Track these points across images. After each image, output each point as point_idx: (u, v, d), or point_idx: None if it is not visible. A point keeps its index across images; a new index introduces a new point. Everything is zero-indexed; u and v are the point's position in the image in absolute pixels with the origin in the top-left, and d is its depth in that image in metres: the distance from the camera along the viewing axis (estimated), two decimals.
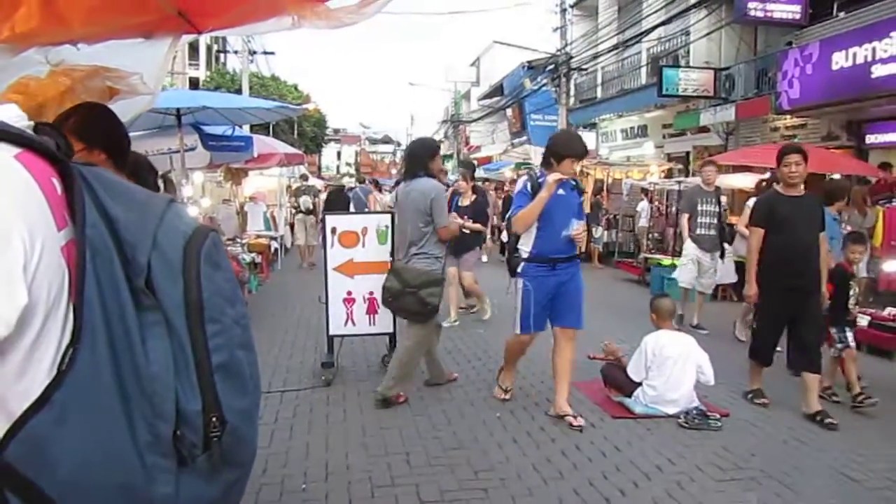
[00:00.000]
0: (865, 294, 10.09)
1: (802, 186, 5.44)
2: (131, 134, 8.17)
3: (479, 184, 12.10)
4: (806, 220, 5.28)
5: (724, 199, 8.72)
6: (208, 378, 1.17)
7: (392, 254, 5.82)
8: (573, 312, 4.96)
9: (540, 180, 4.82)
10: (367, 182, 20.54)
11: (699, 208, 8.35)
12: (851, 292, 5.63)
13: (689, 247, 8.47)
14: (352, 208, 14.66)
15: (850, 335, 5.53)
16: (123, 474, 1.07)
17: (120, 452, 1.07)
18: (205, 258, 1.21)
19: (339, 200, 14.52)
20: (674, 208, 13.71)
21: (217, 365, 1.18)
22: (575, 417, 4.84)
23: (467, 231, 7.85)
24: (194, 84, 34.96)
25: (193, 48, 39.66)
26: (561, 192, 4.80)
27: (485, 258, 14.96)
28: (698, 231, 8.39)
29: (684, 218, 8.57)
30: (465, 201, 8.44)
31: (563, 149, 4.84)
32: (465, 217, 7.94)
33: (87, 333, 1.04)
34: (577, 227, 4.77)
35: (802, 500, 3.74)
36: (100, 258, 1.08)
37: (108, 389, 1.05)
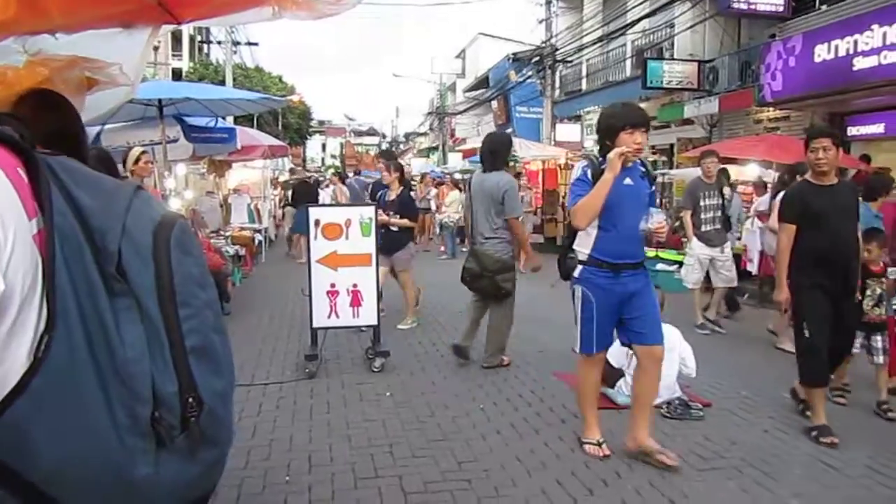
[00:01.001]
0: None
1: (834, 175, 4.83)
2: (112, 125, 8.05)
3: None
4: (842, 213, 4.67)
5: (727, 190, 8.26)
6: (183, 360, 1.19)
7: (383, 246, 5.84)
8: (653, 326, 4.07)
9: (603, 166, 3.89)
10: (361, 174, 20.47)
11: (702, 203, 7.85)
12: (869, 292, 5.15)
13: (696, 245, 7.95)
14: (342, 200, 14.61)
15: (880, 342, 5.16)
16: (104, 457, 1.09)
17: (100, 436, 1.08)
18: (175, 244, 1.22)
19: (305, 193, 14.81)
20: (657, 200, 13.77)
21: (191, 347, 1.20)
22: (668, 456, 3.98)
23: (394, 228, 7.36)
24: (177, 75, 34.70)
25: (176, 38, 39.35)
26: (628, 181, 3.92)
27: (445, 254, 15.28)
28: (703, 227, 7.88)
29: (687, 215, 7.93)
30: (392, 195, 7.59)
31: (616, 119, 3.93)
32: (390, 213, 7.33)
33: (62, 320, 1.05)
34: (657, 219, 3.92)
35: (782, 488, 3.78)
36: (69, 246, 1.09)
37: (84, 374, 1.06)
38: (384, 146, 66.66)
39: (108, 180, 1.27)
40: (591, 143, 21.14)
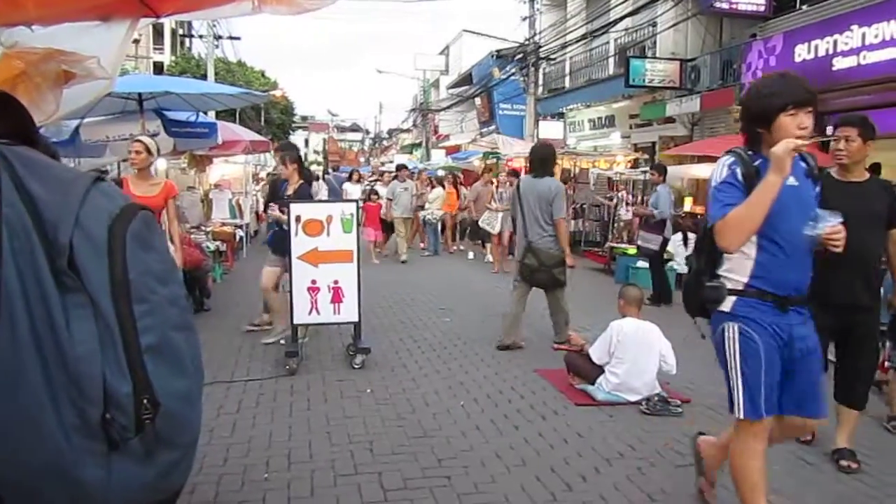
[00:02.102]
0: None
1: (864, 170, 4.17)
2: (91, 119, 7.93)
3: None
4: (867, 214, 3.89)
5: None
6: (138, 359, 1.14)
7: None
8: (817, 389, 3.07)
9: (757, 162, 2.87)
10: (339, 170, 20.34)
11: None
12: None
13: None
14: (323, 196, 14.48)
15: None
16: (50, 457, 1.06)
17: (45, 435, 1.05)
18: (132, 237, 1.18)
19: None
20: (640, 198, 13.85)
21: (147, 346, 1.16)
22: None
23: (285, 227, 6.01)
24: (159, 69, 34.38)
25: (158, 32, 39.02)
26: (791, 181, 2.85)
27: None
28: None
29: None
30: (290, 189, 6.66)
31: (775, 97, 2.82)
32: (284, 210, 6.11)
33: (6, 314, 1.02)
34: (829, 223, 2.83)
35: None
36: (18, 238, 1.06)
37: (30, 371, 1.04)
38: (367, 142, 66.54)
39: (67, 171, 1.23)
40: (573, 141, 21.24)
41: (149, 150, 5.50)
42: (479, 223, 13.78)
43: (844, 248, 2.90)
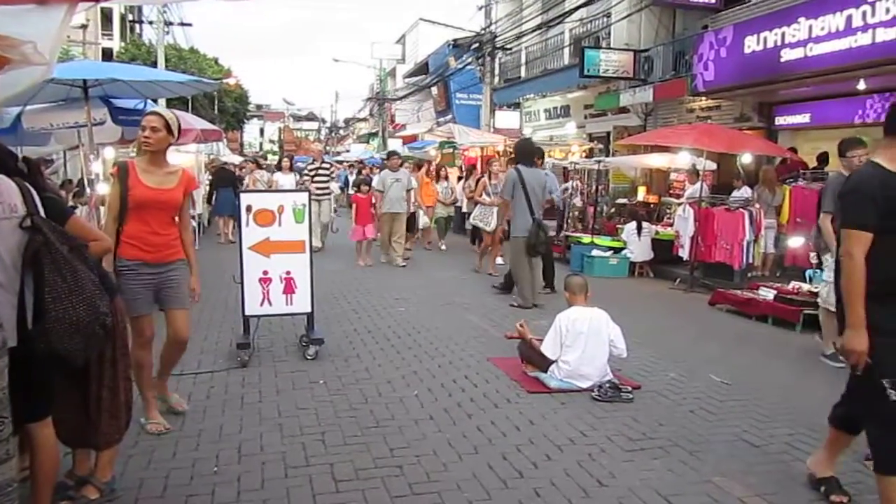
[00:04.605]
0: (773, 269, 10.60)
1: None
2: (33, 106, 7.65)
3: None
4: None
5: None
6: None
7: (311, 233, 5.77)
8: None
9: None
10: (293, 159, 20.08)
11: None
12: None
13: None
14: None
15: None
16: None
17: None
18: None
19: (225, 178, 15.81)
20: (593, 187, 13.98)
21: None
22: None
23: None
24: (108, 55, 33.47)
25: (107, 17, 37.98)
26: None
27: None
28: None
29: (828, 220, 5.81)
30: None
31: None
32: None
33: None
34: None
35: (706, 466, 3.89)
36: None
37: None
38: (324, 132, 65.93)
39: None
40: (529, 131, 21.32)
41: (169, 128, 4.09)
42: (471, 220, 12.14)
43: None
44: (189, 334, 4.40)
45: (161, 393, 4.50)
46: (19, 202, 2.78)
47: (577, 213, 14.44)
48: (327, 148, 49.90)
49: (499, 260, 11.31)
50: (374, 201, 12.01)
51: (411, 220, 12.93)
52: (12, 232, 2.73)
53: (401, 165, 12.37)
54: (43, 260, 2.70)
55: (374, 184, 12.55)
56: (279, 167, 15.76)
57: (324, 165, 13.61)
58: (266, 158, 39.79)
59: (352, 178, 14.87)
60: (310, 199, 6.08)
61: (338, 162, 21.94)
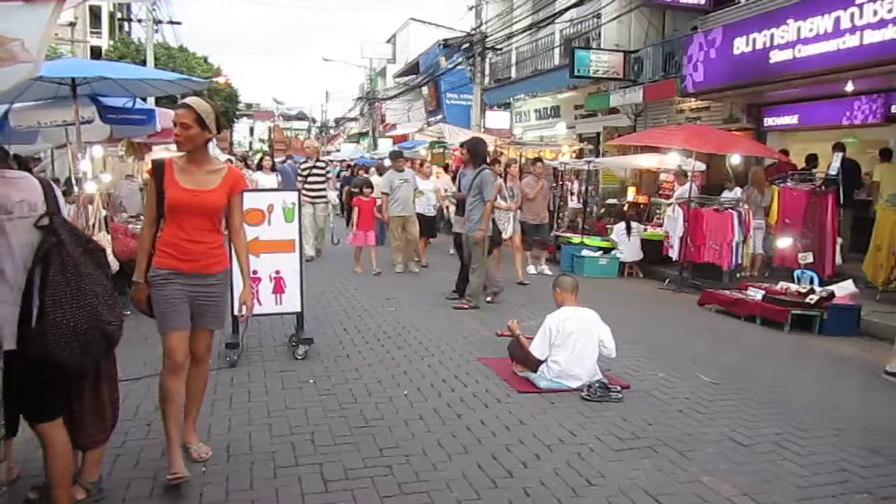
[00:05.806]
0: (761, 269, 10.66)
1: None
2: (20, 105, 7.56)
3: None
4: None
5: None
6: None
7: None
8: None
9: None
10: (292, 158, 19.90)
11: None
12: None
13: None
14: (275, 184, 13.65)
15: None
16: None
17: None
18: None
19: None
20: (583, 188, 13.98)
21: None
22: None
23: None
24: (96, 54, 33.35)
25: (96, 15, 37.83)
26: None
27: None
28: None
29: None
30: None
31: None
32: None
33: None
34: None
35: (695, 465, 3.90)
36: None
37: None
38: (314, 131, 65.77)
39: None
40: (520, 131, 21.35)
41: (202, 122, 3.55)
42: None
43: None
44: (210, 357, 3.92)
45: (186, 440, 3.85)
46: (40, 200, 2.77)
47: (568, 213, 14.41)
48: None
49: (531, 269, 10.99)
50: (379, 204, 11.10)
51: (431, 222, 12.34)
52: (28, 230, 2.71)
53: (407, 166, 11.71)
54: (52, 261, 2.68)
55: (380, 186, 11.59)
56: (260, 166, 14.75)
57: (318, 164, 12.11)
58: (255, 158, 39.67)
59: (262, 177, 13.64)
60: (299, 199, 6.05)
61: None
